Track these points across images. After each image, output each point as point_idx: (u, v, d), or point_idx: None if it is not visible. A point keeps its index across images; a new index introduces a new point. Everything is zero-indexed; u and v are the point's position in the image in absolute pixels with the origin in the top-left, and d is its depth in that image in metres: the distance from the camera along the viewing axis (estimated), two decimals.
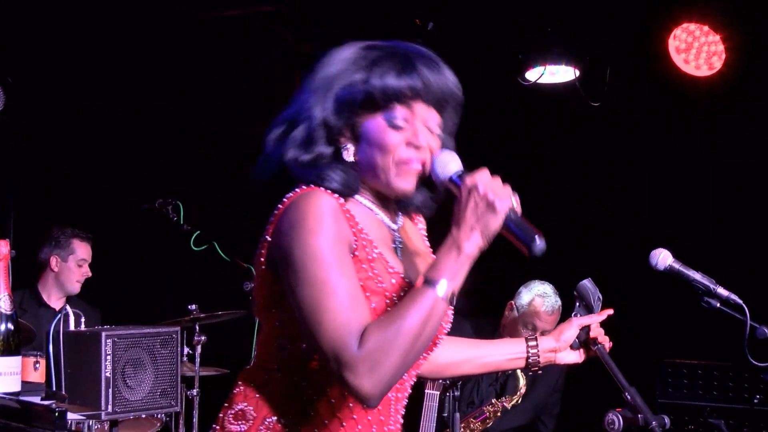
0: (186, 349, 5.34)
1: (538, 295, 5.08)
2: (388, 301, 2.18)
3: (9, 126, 6.59)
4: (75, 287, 5.86)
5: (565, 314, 2.82)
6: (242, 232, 4.50)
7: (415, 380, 2.39)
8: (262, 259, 2.22)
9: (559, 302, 5.10)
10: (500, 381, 5.05)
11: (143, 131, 6.78)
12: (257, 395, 2.25)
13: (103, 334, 4.22)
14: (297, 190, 2.20)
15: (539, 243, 2.14)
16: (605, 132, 6.02)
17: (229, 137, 6.35)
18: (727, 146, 5.59)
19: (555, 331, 2.71)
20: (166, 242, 6.10)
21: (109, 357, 4.18)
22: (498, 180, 2.16)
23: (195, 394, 5.36)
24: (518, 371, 4.85)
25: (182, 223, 5.62)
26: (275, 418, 2.21)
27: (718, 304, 2.98)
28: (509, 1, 5.67)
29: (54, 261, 5.80)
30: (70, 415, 3.90)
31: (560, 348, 2.68)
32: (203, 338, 5.40)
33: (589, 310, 2.72)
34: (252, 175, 2.32)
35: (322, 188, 2.19)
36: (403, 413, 2.38)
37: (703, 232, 5.52)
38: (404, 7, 5.74)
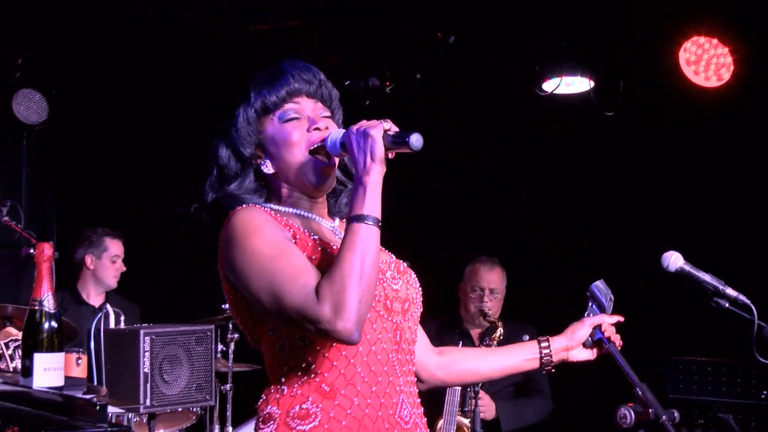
0: (220, 346, 5.41)
1: (476, 260, 5.51)
2: None
3: (52, 133, 6.75)
4: (112, 282, 5.97)
5: (578, 314, 2.94)
6: None
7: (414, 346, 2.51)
8: (227, 288, 2.42)
9: (498, 266, 5.50)
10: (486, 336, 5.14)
11: (180, 138, 6.82)
12: (277, 396, 2.37)
13: (142, 331, 4.35)
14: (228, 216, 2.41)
15: (414, 137, 2.28)
16: (618, 140, 6.05)
17: None
18: (734, 153, 5.62)
19: (568, 330, 2.78)
20: (201, 244, 6.21)
21: (147, 353, 4.32)
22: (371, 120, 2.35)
23: (228, 388, 5.44)
24: (497, 322, 5.09)
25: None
26: (298, 407, 2.33)
27: (727, 305, 3.05)
28: (527, 16, 5.70)
29: (89, 260, 5.93)
30: (111, 409, 3.86)
31: (572, 346, 2.76)
32: (236, 336, 5.46)
33: (601, 310, 2.78)
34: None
35: (251, 205, 2.42)
36: (415, 379, 2.51)
37: (713, 234, 5.54)
38: (427, 21, 5.79)
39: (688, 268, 3.08)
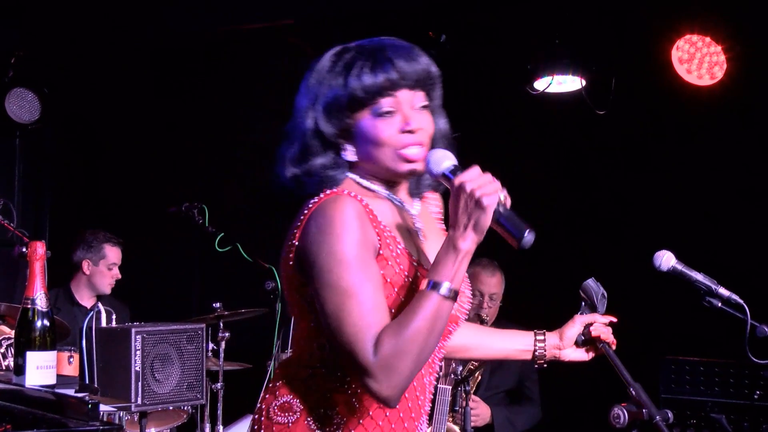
0: (211, 345, 5.40)
1: (477, 264, 5.40)
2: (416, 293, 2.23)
3: (44, 132, 6.79)
4: (106, 290, 6.00)
5: (572, 313, 2.93)
6: (264, 234, 4.53)
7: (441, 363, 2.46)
8: (291, 263, 2.27)
9: (499, 271, 5.47)
10: None
11: (173, 138, 6.88)
12: (302, 389, 2.29)
13: (133, 330, 4.37)
14: (321, 195, 2.26)
15: (528, 237, 2.17)
16: (610, 139, 6.03)
17: (251, 144, 6.47)
18: (727, 152, 5.60)
19: (561, 329, 2.75)
20: (191, 243, 6.20)
21: (138, 352, 4.34)
22: (487, 176, 2.19)
23: (219, 387, 5.44)
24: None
25: (207, 225, 5.66)
26: (323, 410, 2.27)
27: (720, 304, 3.03)
28: (519, 14, 5.70)
29: (86, 265, 5.95)
30: (102, 407, 3.81)
31: (563, 345, 2.73)
32: (227, 334, 5.48)
33: (593, 308, 2.76)
34: (276, 183, 2.37)
35: (346, 192, 2.26)
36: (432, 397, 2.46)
37: (703, 233, 5.54)
38: (418, 20, 5.79)
39: (680, 267, 3.07)
